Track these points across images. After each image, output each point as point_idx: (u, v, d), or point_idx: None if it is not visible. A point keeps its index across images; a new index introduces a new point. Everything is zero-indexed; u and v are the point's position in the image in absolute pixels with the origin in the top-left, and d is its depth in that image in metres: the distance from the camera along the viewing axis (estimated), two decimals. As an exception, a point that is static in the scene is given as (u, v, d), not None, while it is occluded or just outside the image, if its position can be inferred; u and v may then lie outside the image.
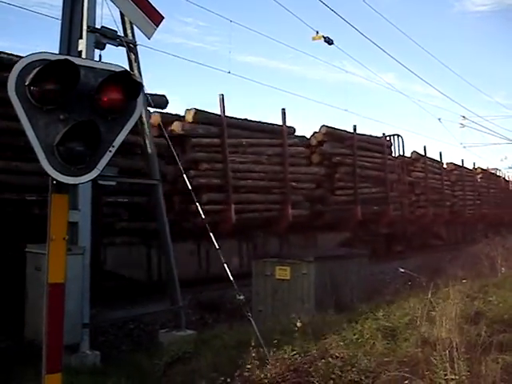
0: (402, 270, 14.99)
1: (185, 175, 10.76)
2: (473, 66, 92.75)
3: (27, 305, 9.57)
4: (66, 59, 4.27)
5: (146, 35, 10.25)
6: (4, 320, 10.68)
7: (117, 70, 4.63)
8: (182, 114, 17.87)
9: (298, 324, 8.21)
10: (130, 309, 13.20)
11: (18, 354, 9.24)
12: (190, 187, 10.73)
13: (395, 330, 8.75)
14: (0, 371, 8.33)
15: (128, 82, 4.66)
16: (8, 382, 7.87)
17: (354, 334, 8.53)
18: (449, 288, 9.95)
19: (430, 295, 9.63)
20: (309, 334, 7.88)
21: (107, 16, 10.13)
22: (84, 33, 9.77)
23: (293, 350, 7.41)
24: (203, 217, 10.38)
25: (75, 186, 7.57)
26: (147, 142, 11.30)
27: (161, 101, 16.16)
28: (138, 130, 10.85)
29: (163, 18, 10.34)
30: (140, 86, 4.91)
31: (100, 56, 10.05)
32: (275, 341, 7.88)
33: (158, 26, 10.19)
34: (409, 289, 12.99)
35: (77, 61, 4.43)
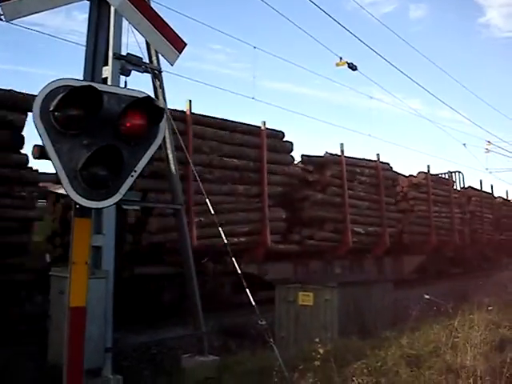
0: (427, 297, 14.76)
1: (207, 200, 10.71)
2: (499, 91, 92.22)
3: (51, 328, 9.61)
4: (90, 85, 4.35)
5: (168, 61, 10.35)
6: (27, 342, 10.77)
7: (140, 96, 4.69)
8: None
9: (321, 351, 8.12)
10: (153, 333, 13.21)
11: (40, 376, 9.28)
12: (212, 212, 10.70)
13: (419, 357, 8.61)
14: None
15: (151, 108, 4.73)
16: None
17: (378, 362, 8.39)
18: (474, 315, 9.79)
19: (455, 322, 9.49)
20: (332, 361, 7.78)
21: (132, 42, 10.28)
22: (110, 60, 9.91)
23: (315, 377, 7.34)
24: (225, 241, 10.35)
25: (98, 210, 7.67)
26: (171, 166, 11.35)
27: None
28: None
29: (186, 44, 10.42)
30: (163, 111, 4.96)
31: (125, 82, 10.19)
32: (298, 367, 7.81)
33: (180, 53, 10.28)
34: (434, 315, 12.80)
35: (100, 87, 4.51)
